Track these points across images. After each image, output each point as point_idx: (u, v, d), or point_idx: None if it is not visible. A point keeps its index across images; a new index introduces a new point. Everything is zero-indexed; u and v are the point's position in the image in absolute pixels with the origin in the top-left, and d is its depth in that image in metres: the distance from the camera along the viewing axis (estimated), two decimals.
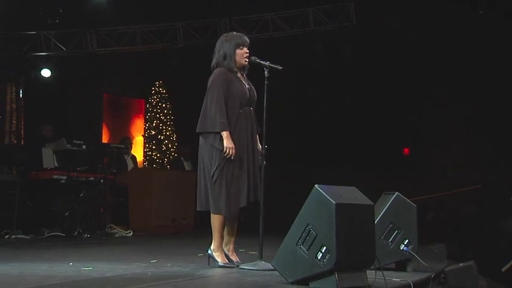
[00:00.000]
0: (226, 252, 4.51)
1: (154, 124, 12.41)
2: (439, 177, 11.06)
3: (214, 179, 4.39)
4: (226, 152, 4.32)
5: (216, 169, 4.37)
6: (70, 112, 10.69)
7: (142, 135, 12.65)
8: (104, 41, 10.97)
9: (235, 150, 4.35)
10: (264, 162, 4.44)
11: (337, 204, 3.51)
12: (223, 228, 4.48)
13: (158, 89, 12.54)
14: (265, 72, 4.49)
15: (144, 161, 12.25)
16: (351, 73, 10.79)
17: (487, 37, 9.91)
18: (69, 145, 8.04)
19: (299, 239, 3.62)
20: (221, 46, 4.56)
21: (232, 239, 4.54)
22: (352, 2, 10.08)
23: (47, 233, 7.41)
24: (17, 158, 8.10)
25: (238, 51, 4.53)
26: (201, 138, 4.51)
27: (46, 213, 7.64)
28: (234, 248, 4.57)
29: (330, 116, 11.33)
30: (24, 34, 10.81)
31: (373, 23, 10.11)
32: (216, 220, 4.45)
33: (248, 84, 4.60)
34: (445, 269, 4.75)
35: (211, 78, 4.49)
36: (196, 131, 4.47)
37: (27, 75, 11.09)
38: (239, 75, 4.57)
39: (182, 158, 10.51)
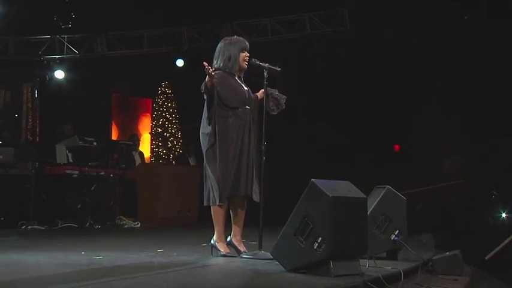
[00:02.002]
0: (235, 243, 4.49)
1: (160, 122, 12.41)
2: (428, 172, 11.03)
3: (206, 171, 4.39)
4: (210, 72, 4.20)
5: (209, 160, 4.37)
6: (82, 111, 10.68)
7: (149, 133, 12.65)
8: (113, 45, 10.97)
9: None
10: (264, 158, 4.42)
11: (332, 197, 3.50)
12: (223, 219, 4.46)
13: (164, 89, 12.53)
14: (265, 74, 4.48)
15: (151, 157, 12.25)
16: (346, 74, 10.78)
17: (483, 36, 9.86)
18: (81, 142, 8.05)
19: (297, 230, 3.61)
20: (225, 49, 4.53)
21: (239, 231, 4.52)
22: (346, 8, 10.07)
23: (61, 224, 7.41)
24: (33, 153, 8.11)
25: (241, 54, 4.52)
26: (201, 138, 4.51)
27: (60, 206, 7.65)
28: (241, 239, 4.54)
29: (327, 115, 11.32)
30: (40, 38, 10.81)
31: (366, 26, 10.09)
32: (215, 212, 4.44)
33: (246, 86, 4.59)
34: (433, 258, 4.74)
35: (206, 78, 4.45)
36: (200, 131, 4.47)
37: (42, 76, 11.10)
38: (237, 77, 4.56)
39: (187, 154, 10.50)
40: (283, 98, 4.56)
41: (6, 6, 9.57)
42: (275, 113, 4.54)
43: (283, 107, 4.56)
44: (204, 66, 4.24)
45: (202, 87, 4.39)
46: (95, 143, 8.17)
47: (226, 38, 4.68)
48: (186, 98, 11.77)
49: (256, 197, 4.42)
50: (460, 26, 9.89)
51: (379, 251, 4.39)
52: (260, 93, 4.59)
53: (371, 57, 10.70)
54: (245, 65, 4.54)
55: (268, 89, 4.51)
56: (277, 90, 4.58)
